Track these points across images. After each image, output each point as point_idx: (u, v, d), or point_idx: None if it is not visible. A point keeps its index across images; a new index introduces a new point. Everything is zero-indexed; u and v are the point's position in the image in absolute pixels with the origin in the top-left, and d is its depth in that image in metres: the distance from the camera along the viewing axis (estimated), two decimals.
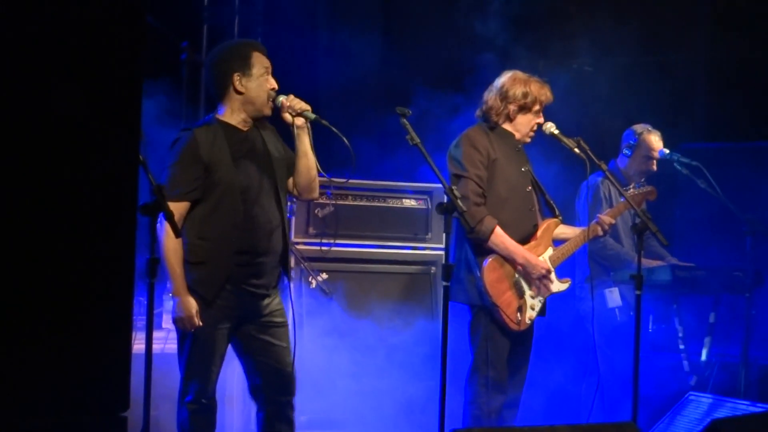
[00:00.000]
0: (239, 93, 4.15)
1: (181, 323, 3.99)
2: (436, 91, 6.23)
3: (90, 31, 2.48)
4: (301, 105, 4.17)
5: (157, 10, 5.62)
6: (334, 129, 4.12)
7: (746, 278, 5.72)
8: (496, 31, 6.42)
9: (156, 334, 4.11)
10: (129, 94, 2.55)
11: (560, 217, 4.93)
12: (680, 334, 5.85)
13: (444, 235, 4.04)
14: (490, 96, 4.82)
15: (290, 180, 4.30)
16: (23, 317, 2.39)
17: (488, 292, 4.60)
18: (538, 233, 4.80)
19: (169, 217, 3.58)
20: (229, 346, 4.19)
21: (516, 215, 4.74)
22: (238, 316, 4.13)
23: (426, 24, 7.13)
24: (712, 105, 7.27)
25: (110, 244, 2.51)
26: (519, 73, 4.82)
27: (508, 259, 4.66)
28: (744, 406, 4.94)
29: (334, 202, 5.56)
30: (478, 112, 4.88)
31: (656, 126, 5.97)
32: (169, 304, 4.71)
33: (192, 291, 4.01)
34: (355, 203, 5.66)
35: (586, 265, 5.55)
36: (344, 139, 4.11)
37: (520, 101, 4.77)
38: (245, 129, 4.20)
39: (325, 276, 5.40)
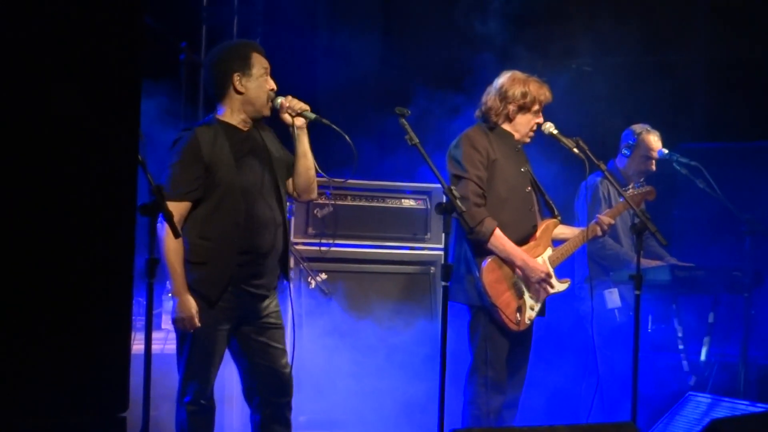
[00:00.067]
0: (239, 93, 4.15)
1: (180, 323, 3.98)
2: (436, 91, 6.24)
3: (89, 31, 2.48)
4: (300, 105, 4.18)
5: (155, 11, 5.62)
6: (335, 127, 4.13)
7: (745, 278, 5.72)
8: (495, 31, 6.42)
9: (155, 335, 4.10)
10: (128, 95, 2.55)
11: (559, 218, 4.93)
12: (679, 334, 5.85)
13: (443, 235, 4.04)
14: (490, 96, 4.82)
15: (289, 181, 4.30)
16: (22, 317, 2.39)
17: (487, 292, 4.60)
18: (538, 233, 4.81)
19: (168, 217, 3.58)
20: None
21: (515, 215, 4.74)
22: (237, 317, 4.13)
23: (426, 24, 7.13)
24: (711, 105, 7.27)
25: (109, 244, 2.51)
26: (518, 73, 4.82)
27: (507, 261, 4.67)
28: (743, 406, 4.94)
29: (333, 202, 5.56)
30: (477, 113, 4.88)
31: (655, 126, 5.97)
32: (168, 305, 4.70)
33: (194, 291, 4.00)
34: (355, 203, 5.66)
35: (586, 265, 5.55)
36: (346, 136, 4.12)
37: (519, 101, 4.77)
38: (245, 129, 4.20)
39: (324, 276, 5.40)
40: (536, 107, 4.80)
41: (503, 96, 4.77)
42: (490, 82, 4.89)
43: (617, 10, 7.06)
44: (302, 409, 5.05)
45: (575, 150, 4.74)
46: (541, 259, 4.76)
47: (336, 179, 4.63)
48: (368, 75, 6.84)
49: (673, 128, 6.46)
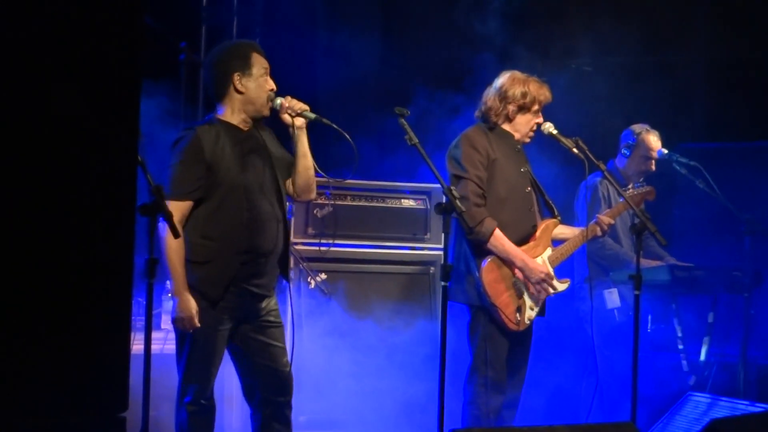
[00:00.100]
0: (239, 93, 4.16)
1: (180, 323, 3.98)
2: (436, 91, 6.24)
3: (88, 31, 2.48)
4: (300, 105, 4.19)
5: (155, 11, 5.62)
6: (335, 126, 4.13)
7: (745, 278, 5.72)
8: (495, 31, 6.42)
9: (155, 335, 4.11)
10: (128, 95, 2.55)
11: (559, 218, 4.93)
12: (679, 334, 5.86)
13: (443, 235, 4.04)
14: (489, 96, 4.82)
15: (288, 181, 4.30)
16: (22, 318, 2.39)
17: (487, 292, 4.60)
18: (537, 233, 4.81)
19: (168, 217, 3.58)
20: None
21: (515, 215, 4.74)
22: (237, 317, 4.13)
23: (426, 24, 7.13)
24: (711, 105, 7.27)
25: (109, 244, 2.51)
26: (518, 74, 4.82)
27: (507, 262, 4.67)
28: (743, 406, 4.95)
29: (333, 202, 5.56)
30: (477, 113, 4.88)
31: (655, 126, 5.97)
32: (167, 305, 4.71)
33: (195, 290, 4.00)
34: (354, 203, 5.66)
35: (585, 265, 5.55)
36: (346, 135, 4.12)
37: (519, 101, 4.77)
38: (246, 129, 4.21)
39: (324, 276, 5.40)
40: (536, 107, 4.80)
41: (503, 96, 4.77)
42: (490, 82, 4.89)
43: (617, 10, 7.05)
44: (302, 409, 5.05)
45: (575, 150, 4.74)
46: (540, 260, 4.76)
47: (336, 179, 4.64)
48: (368, 75, 6.84)
49: (673, 128, 6.46)
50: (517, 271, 4.68)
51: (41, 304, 2.41)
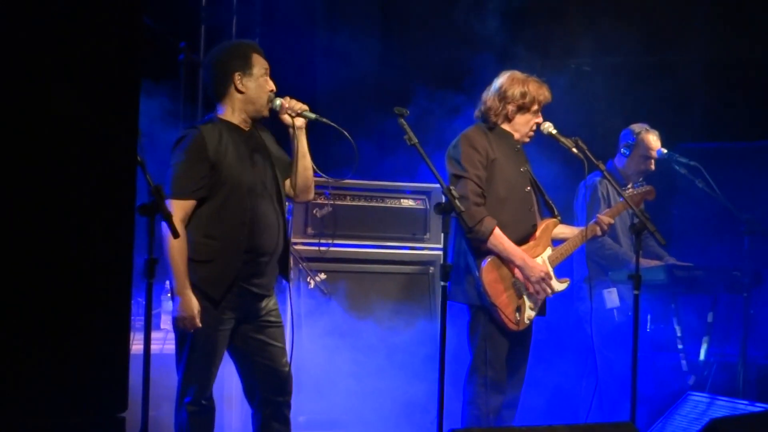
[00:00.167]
0: (240, 92, 4.16)
1: (182, 322, 3.96)
2: (436, 91, 6.24)
3: (88, 31, 2.48)
4: (300, 106, 4.20)
5: (154, 11, 5.62)
6: (335, 125, 4.14)
7: (744, 278, 5.72)
8: (495, 31, 6.42)
9: (154, 335, 4.11)
10: (127, 95, 2.56)
11: (559, 217, 4.94)
12: (678, 334, 5.86)
13: (442, 235, 4.04)
14: (489, 96, 4.82)
15: (286, 182, 4.30)
16: (22, 318, 2.39)
17: (487, 292, 4.60)
18: (537, 233, 4.81)
19: (167, 217, 3.57)
20: None
21: (515, 215, 4.74)
22: (238, 317, 4.13)
23: (425, 24, 7.13)
24: (711, 105, 7.27)
25: (109, 244, 2.51)
26: (517, 73, 4.82)
27: (507, 261, 4.67)
28: (742, 406, 4.95)
29: (332, 202, 5.56)
30: (476, 113, 4.88)
31: (655, 126, 5.97)
32: (167, 305, 4.70)
33: (197, 290, 3.98)
34: (354, 203, 5.66)
35: (585, 265, 5.55)
36: (346, 134, 4.12)
37: (518, 101, 4.77)
38: (247, 129, 4.21)
39: (323, 276, 5.40)
40: (535, 107, 4.80)
41: (502, 96, 4.77)
42: (489, 81, 4.89)
43: (617, 10, 7.05)
44: (302, 409, 5.05)
45: (574, 150, 4.75)
46: (540, 259, 4.76)
47: (335, 179, 4.64)
48: (368, 75, 6.84)
49: (672, 128, 6.46)
50: (516, 270, 4.68)
51: (41, 304, 2.41)
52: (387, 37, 7.19)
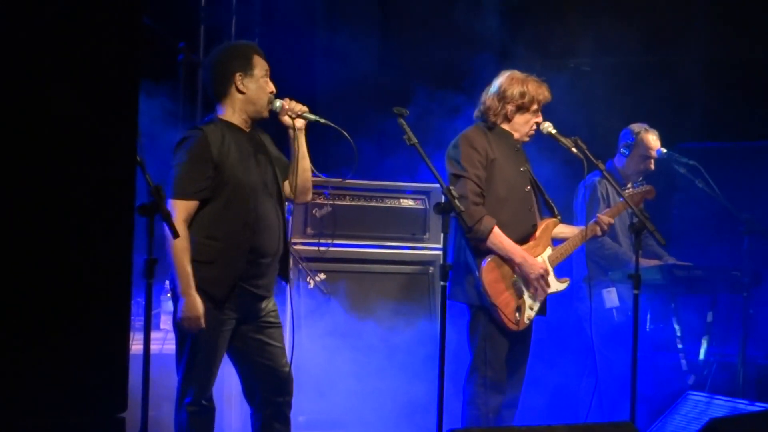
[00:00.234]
0: (241, 93, 4.16)
1: (186, 323, 3.95)
2: (436, 91, 6.24)
3: (88, 31, 2.48)
4: (300, 107, 4.20)
5: (154, 11, 5.62)
6: (335, 126, 4.14)
7: (744, 278, 5.72)
8: (494, 31, 6.43)
9: (154, 335, 4.11)
10: (127, 95, 2.56)
11: (559, 217, 4.94)
12: (678, 334, 5.86)
13: (442, 235, 4.05)
14: (488, 96, 4.82)
15: (285, 183, 4.30)
16: (21, 318, 2.39)
17: (487, 291, 4.60)
18: (537, 233, 4.81)
19: (166, 218, 3.57)
20: None
21: (515, 215, 4.74)
22: (238, 318, 4.13)
23: (425, 24, 7.14)
24: (710, 105, 7.27)
25: (108, 244, 2.51)
26: (516, 73, 4.82)
27: (506, 260, 4.67)
28: (742, 405, 4.95)
29: (331, 202, 5.56)
30: (476, 113, 4.88)
31: (654, 125, 5.97)
32: (167, 305, 4.70)
33: (199, 290, 3.96)
34: (353, 203, 5.66)
35: (584, 265, 5.55)
36: (346, 135, 4.13)
37: (517, 101, 4.77)
38: (247, 129, 4.21)
39: (323, 276, 5.40)
40: (535, 107, 4.80)
41: (502, 96, 4.78)
42: (489, 81, 4.89)
43: (617, 10, 7.06)
44: (302, 409, 5.05)
45: (574, 149, 4.75)
46: (540, 259, 4.76)
47: (334, 179, 4.64)
48: (367, 75, 6.84)
49: (672, 128, 6.46)
50: (516, 269, 4.68)
51: (40, 304, 2.41)
52: (387, 38, 7.20)
